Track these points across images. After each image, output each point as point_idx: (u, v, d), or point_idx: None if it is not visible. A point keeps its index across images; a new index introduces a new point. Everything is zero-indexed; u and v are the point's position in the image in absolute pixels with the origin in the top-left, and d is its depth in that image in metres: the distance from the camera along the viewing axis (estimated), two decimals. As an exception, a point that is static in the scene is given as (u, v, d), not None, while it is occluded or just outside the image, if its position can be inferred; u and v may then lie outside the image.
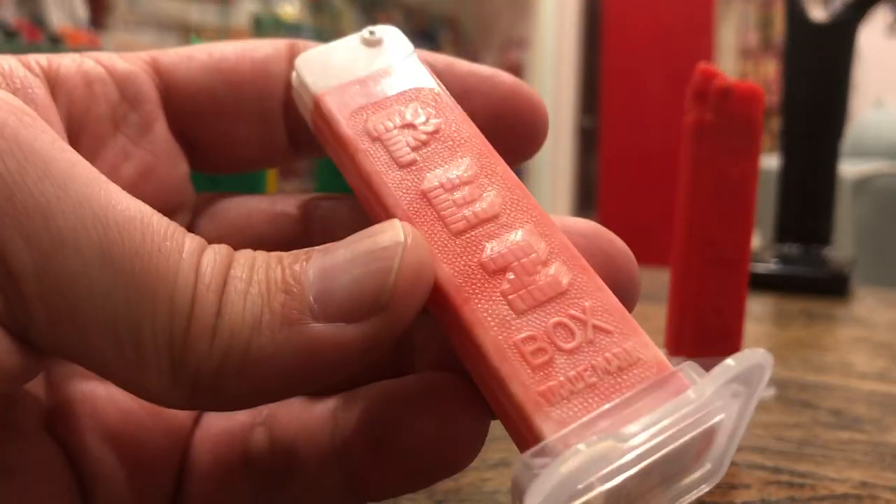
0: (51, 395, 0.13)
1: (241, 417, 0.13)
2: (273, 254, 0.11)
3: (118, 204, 0.10)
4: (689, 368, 0.11)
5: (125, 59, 0.14)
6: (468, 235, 0.12)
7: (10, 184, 0.09)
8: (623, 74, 2.09)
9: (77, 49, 1.46)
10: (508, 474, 0.18)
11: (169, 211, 0.14)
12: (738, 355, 0.10)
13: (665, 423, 0.10)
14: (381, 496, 0.13)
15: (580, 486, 0.09)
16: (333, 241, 0.11)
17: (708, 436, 0.11)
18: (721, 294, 0.23)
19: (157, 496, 0.13)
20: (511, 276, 0.11)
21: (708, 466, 0.12)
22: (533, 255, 0.11)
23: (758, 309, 0.38)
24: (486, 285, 0.11)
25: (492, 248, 0.12)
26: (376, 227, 0.11)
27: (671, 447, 0.10)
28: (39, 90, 0.12)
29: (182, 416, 0.13)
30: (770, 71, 2.76)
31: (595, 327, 0.11)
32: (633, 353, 0.11)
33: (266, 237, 0.15)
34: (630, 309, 0.12)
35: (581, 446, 0.09)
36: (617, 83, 2.11)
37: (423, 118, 0.13)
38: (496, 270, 0.11)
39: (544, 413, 0.10)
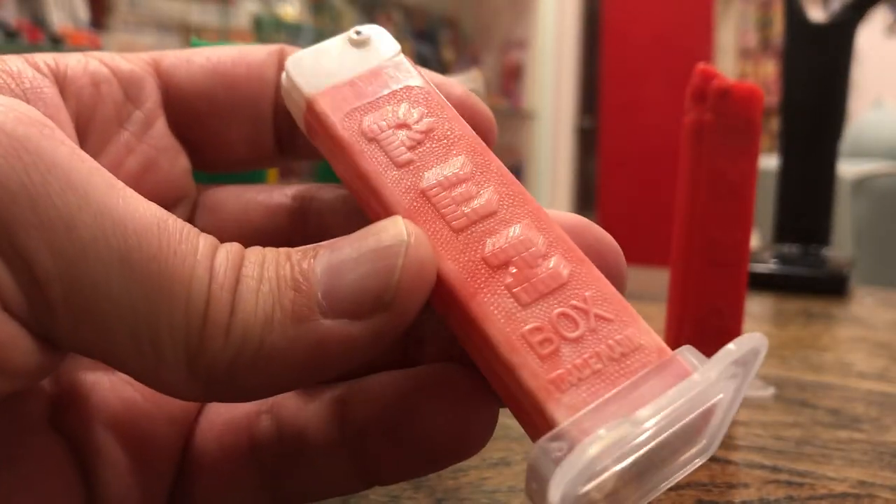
0: (55, 388, 0.13)
1: (246, 406, 0.14)
2: (282, 250, 0.11)
3: (136, 211, 0.10)
4: (687, 353, 0.11)
5: (128, 60, 0.14)
6: (469, 232, 0.12)
7: (35, 196, 0.10)
8: (622, 75, 2.09)
9: (77, 50, 1.46)
10: (509, 473, 0.18)
11: (170, 203, 0.15)
12: (738, 340, 0.11)
13: (675, 405, 0.10)
14: (389, 481, 0.13)
15: (598, 468, 0.10)
16: (329, 232, 0.12)
17: (707, 414, 0.12)
18: (720, 294, 0.23)
19: (159, 484, 0.13)
20: (513, 269, 0.12)
21: (703, 442, 0.12)
22: (533, 249, 0.12)
23: (757, 309, 0.38)
24: (490, 280, 0.12)
25: (493, 244, 0.12)
26: (380, 224, 0.11)
27: (678, 427, 0.11)
28: (49, 90, 0.13)
29: (185, 405, 0.14)
30: (769, 71, 2.76)
31: (597, 316, 0.11)
32: (635, 339, 0.11)
33: (263, 228, 0.15)
34: None
35: (602, 431, 0.10)
36: (616, 84, 2.11)
37: (415, 117, 0.13)
38: (499, 265, 0.12)
39: (556, 399, 0.11)
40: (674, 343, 0.21)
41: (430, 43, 2.41)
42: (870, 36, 2.33)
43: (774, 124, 2.18)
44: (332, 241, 0.11)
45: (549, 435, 0.10)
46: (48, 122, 0.10)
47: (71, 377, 0.13)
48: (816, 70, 0.45)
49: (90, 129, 0.13)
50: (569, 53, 2.60)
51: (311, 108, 0.13)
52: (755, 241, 0.86)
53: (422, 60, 2.30)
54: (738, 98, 0.22)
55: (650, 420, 0.10)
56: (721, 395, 0.11)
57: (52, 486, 0.12)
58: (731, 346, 0.11)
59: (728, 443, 0.21)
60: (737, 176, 0.23)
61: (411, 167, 0.13)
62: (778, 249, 0.47)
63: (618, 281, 0.12)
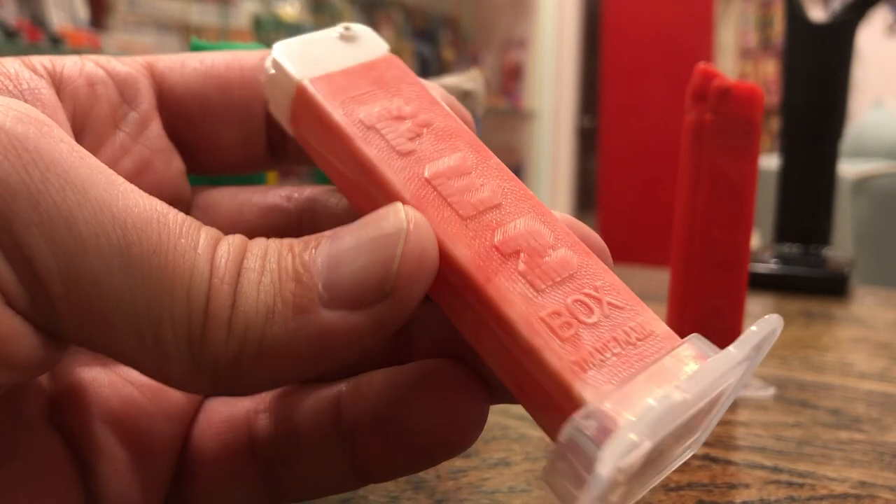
0: (53, 385, 0.13)
1: (244, 403, 0.14)
2: (285, 241, 0.11)
3: (135, 206, 0.10)
4: (697, 340, 0.11)
5: (123, 63, 0.14)
6: (477, 220, 0.12)
7: (35, 193, 0.10)
8: (623, 75, 2.09)
9: (77, 49, 1.46)
10: (509, 473, 0.18)
11: None
12: (759, 322, 0.11)
13: (708, 380, 0.10)
14: (384, 477, 0.13)
15: (645, 442, 0.10)
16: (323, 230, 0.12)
17: (714, 401, 0.12)
18: (720, 294, 0.23)
19: (158, 481, 0.13)
20: (524, 257, 0.12)
21: (698, 433, 0.12)
22: (541, 240, 0.12)
23: (757, 309, 0.38)
24: (503, 266, 0.12)
25: (502, 233, 0.12)
26: (380, 211, 0.11)
27: (696, 409, 0.11)
28: (46, 91, 0.13)
29: (184, 401, 0.14)
30: (769, 71, 2.76)
31: (609, 304, 0.12)
32: (647, 326, 0.11)
33: (258, 229, 0.15)
34: None
35: (651, 401, 0.10)
36: (616, 83, 2.11)
37: (411, 111, 0.13)
38: (510, 253, 0.12)
39: (582, 380, 0.11)
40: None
41: (430, 43, 2.41)
42: (870, 36, 2.33)
43: (775, 124, 2.18)
44: (333, 230, 0.11)
45: (581, 413, 0.10)
46: (47, 120, 0.10)
47: (69, 374, 0.13)
48: (817, 70, 0.45)
49: (86, 130, 0.13)
50: (569, 53, 2.60)
51: (302, 93, 0.13)
52: (755, 241, 0.86)
53: (422, 60, 2.30)
54: (739, 98, 0.22)
55: (689, 393, 0.10)
56: (732, 380, 0.11)
57: (50, 482, 0.12)
58: (753, 328, 0.11)
59: (729, 443, 0.21)
60: (737, 176, 0.23)
61: (413, 157, 0.12)
62: (778, 249, 0.46)
63: None
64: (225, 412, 0.14)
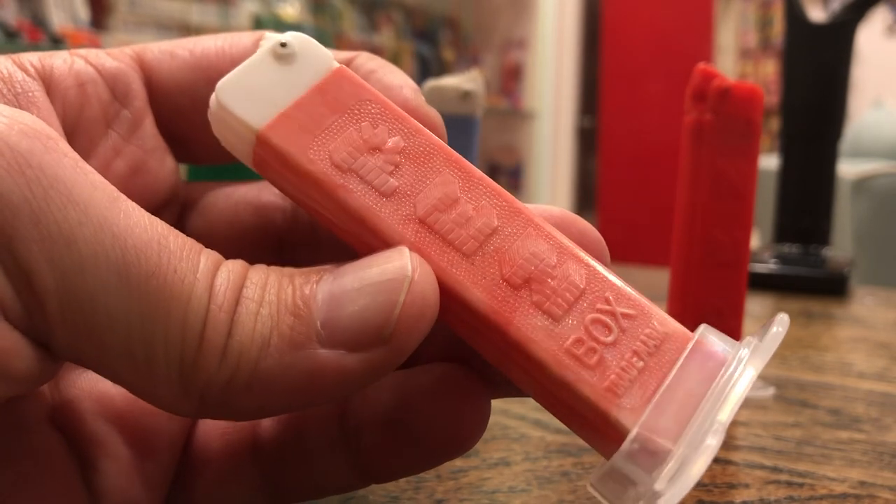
0: (55, 386, 0.13)
1: None
2: (286, 272, 0.11)
3: (136, 226, 0.10)
4: (710, 335, 0.12)
5: (112, 56, 0.14)
6: (480, 254, 0.12)
7: (37, 210, 0.10)
8: (622, 75, 2.09)
9: (78, 50, 1.46)
10: (509, 473, 0.18)
11: (159, 205, 0.14)
12: (778, 321, 0.12)
13: (738, 400, 0.11)
14: (387, 477, 0.13)
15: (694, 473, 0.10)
16: (320, 229, 0.11)
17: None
18: (720, 294, 0.23)
19: (161, 479, 0.13)
20: (535, 285, 0.12)
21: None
22: (545, 260, 0.12)
23: (757, 309, 0.38)
24: (518, 301, 0.12)
25: (508, 262, 0.12)
26: (385, 254, 0.11)
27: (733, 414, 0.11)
28: (38, 94, 0.12)
29: None
30: (769, 71, 2.76)
31: (623, 315, 0.12)
32: (660, 329, 0.12)
33: (254, 227, 0.15)
34: None
35: (710, 441, 0.10)
36: (616, 83, 2.11)
37: (382, 137, 0.13)
38: (521, 283, 0.12)
39: (617, 406, 0.11)
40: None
41: (430, 43, 2.41)
42: (870, 36, 2.33)
43: (774, 124, 2.18)
44: (335, 266, 0.11)
45: (626, 444, 0.11)
46: (52, 134, 0.10)
47: (72, 375, 0.13)
48: (816, 70, 0.45)
49: (77, 132, 0.13)
50: (569, 53, 2.60)
51: (263, 142, 0.12)
52: (755, 241, 0.86)
53: (422, 60, 2.30)
54: (739, 98, 0.22)
55: (727, 419, 0.11)
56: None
57: (52, 482, 0.12)
58: (775, 328, 0.12)
59: (728, 443, 0.21)
60: (737, 176, 0.23)
61: (399, 195, 0.12)
62: (778, 249, 0.47)
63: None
64: None
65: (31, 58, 0.13)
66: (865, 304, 0.40)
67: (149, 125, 0.14)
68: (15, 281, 0.10)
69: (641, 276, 0.45)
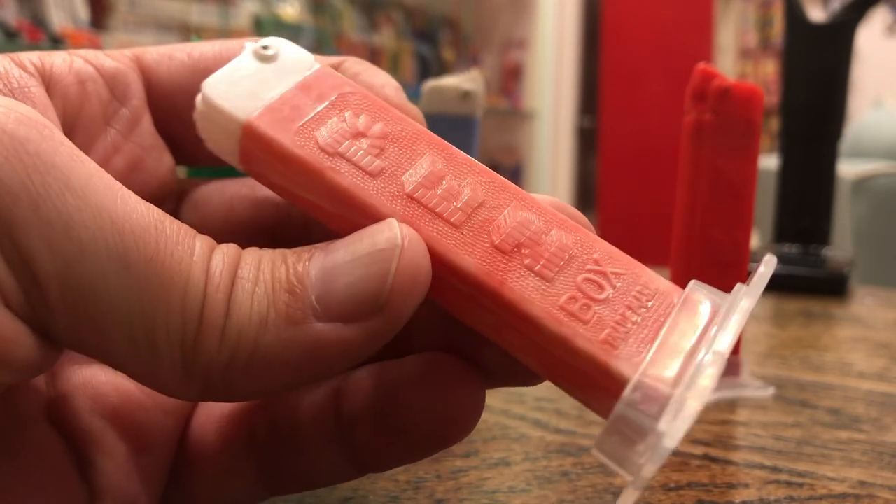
0: (51, 381, 0.13)
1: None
2: (278, 252, 0.11)
3: (133, 212, 0.10)
4: (700, 289, 0.12)
5: (112, 58, 0.14)
6: (469, 224, 0.12)
7: (36, 196, 0.10)
8: (622, 75, 2.09)
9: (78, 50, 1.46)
10: (509, 473, 0.18)
11: (154, 201, 0.14)
12: (765, 261, 0.12)
13: (731, 332, 0.11)
14: (382, 468, 0.13)
15: (692, 406, 0.10)
16: (313, 222, 0.12)
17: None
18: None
19: (157, 473, 0.13)
20: (525, 250, 0.12)
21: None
22: (534, 227, 0.12)
23: (757, 309, 0.38)
24: (510, 264, 0.12)
25: (497, 231, 0.12)
26: (374, 227, 0.11)
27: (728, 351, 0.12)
28: (36, 90, 0.13)
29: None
30: (769, 71, 2.76)
31: (612, 273, 0.12)
32: (651, 286, 0.12)
33: (249, 221, 0.15)
34: None
35: (710, 369, 0.11)
36: (616, 83, 2.11)
37: (366, 123, 0.13)
38: (511, 249, 0.12)
39: (615, 357, 0.11)
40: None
41: (430, 43, 2.41)
42: (870, 36, 2.33)
43: (774, 124, 2.18)
44: (326, 243, 0.11)
45: (628, 390, 0.11)
46: (48, 123, 0.11)
47: (67, 371, 0.13)
48: (816, 70, 0.45)
49: (77, 128, 0.13)
50: (569, 53, 2.60)
51: (250, 133, 0.12)
52: (755, 241, 0.86)
53: (422, 60, 2.30)
54: (738, 98, 0.22)
55: (726, 348, 0.11)
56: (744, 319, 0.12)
57: (50, 478, 0.12)
58: (762, 269, 0.12)
59: (728, 443, 0.21)
60: (737, 176, 0.23)
61: (387, 174, 0.12)
62: (778, 249, 0.47)
63: None
64: (225, 406, 0.14)
65: (31, 56, 0.13)
66: (865, 304, 0.40)
67: (146, 123, 0.14)
68: (15, 268, 0.10)
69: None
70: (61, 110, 0.13)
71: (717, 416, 0.22)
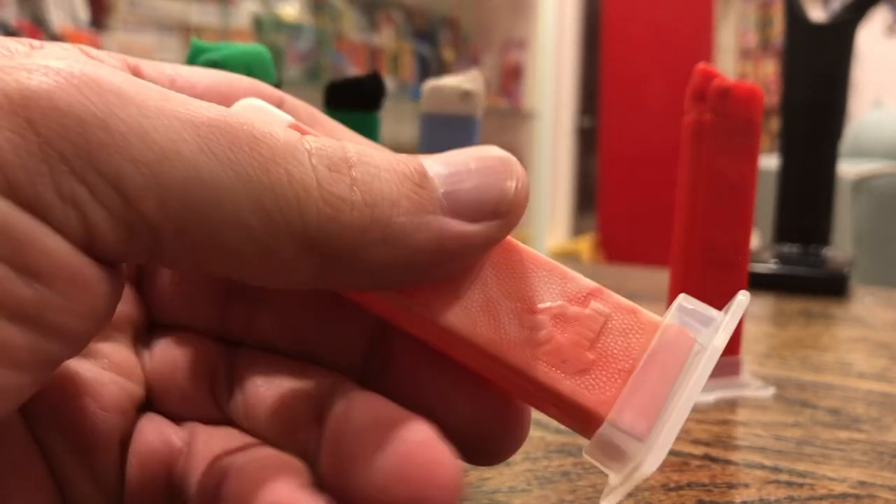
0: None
1: (169, 433, 0.13)
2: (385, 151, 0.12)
3: (200, 107, 0.10)
4: (675, 320, 0.12)
5: (112, 56, 0.14)
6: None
7: (102, 116, 0.10)
8: (622, 75, 2.09)
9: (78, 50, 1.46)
10: (509, 473, 0.18)
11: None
12: (743, 293, 0.13)
13: (703, 369, 0.11)
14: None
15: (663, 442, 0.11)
16: None
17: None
18: (720, 294, 0.23)
19: (110, 479, 0.13)
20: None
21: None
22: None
23: (757, 309, 0.38)
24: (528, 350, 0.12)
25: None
26: (485, 147, 0.12)
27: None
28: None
29: (122, 397, 0.13)
30: (769, 71, 2.76)
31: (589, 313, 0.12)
32: (641, 322, 0.12)
33: None
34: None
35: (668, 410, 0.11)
36: (616, 84, 2.11)
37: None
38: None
39: (593, 401, 0.12)
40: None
41: (430, 43, 2.41)
42: (870, 36, 2.33)
43: (774, 124, 2.18)
44: (435, 155, 0.12)
45: (607, 421, 0.11)
46: (88, 54, 0.11)
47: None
48: (816, 70, 0.45)
49: None
50: (569, 53, 2.60)
51: None
52: (755, 241, 0.86)
53: (422, 61, 2.30)
54: (738, 98, 0.22)
55: (693, 388, 0.11)
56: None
57: (23, 481, 0.12)
58: (741, 297, 0.12)
59: (728, 443, 0.21)
60: (737, 176, 0.23)
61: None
62: (778, 249, 0.47)
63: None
64: (151, 440, 0.13)
65: (22, 42, 0.13)
66: (865, 303, 0.40)
67: None
68: (103, 195, 0.10)
69: (641, 276, 0.45)
70: None
71: (718, 416, 0.22)
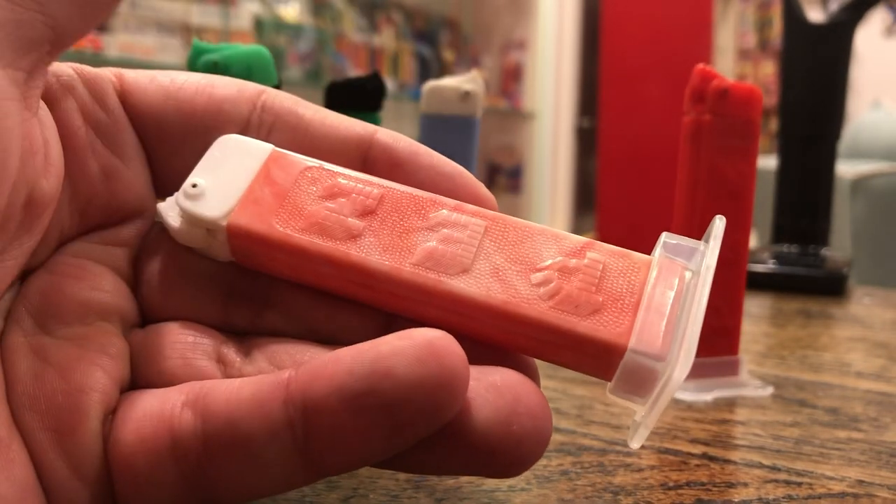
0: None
1: (169, 395, 0.12)
2: None
3: None
4: (663, 256, 0.14)
5: (92, 69, 0.14)
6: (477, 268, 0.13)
7: None
8: (622, 76, 2.09)
9: (79, 51, 1.46)
10: (508, 472, 0.18)
11: (127, 214, 0.14)
12: (718, 218, 0.14)
13: (702, 292, 0.13)
14: (343, 468, 0.11)
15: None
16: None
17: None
18: (719, 293, 0.23)
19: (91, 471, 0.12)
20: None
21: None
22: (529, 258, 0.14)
23: (755, 309, 0.38)
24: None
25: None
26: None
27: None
28: None
29: (102, 377, 0.12)
30: (768, 72, 2.76)
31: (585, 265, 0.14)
32: (620, 260, 0.14)
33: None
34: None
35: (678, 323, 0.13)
36: (616, 84, 2.11)
37: (350, 194, 0.14)
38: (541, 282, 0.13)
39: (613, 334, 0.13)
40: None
41: (430, 44, 2.41)
42: (868, 37, 2.33)
43: (773, 125, 2.18)
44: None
45: (629, 349, 0.12)
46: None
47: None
48: (815, 71, 0.45)
49: (55, 115, 0.13)
50: (568, 54, 2.61)
51: (237, 232, 0.13)
52: (754, 241, 0.86)
53: (422, 61, 2.30)
54: (737, 98, 0.22)
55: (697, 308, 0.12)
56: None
57: (11, 468, 0.11)
58: (718, 221, 0.14)
59: (727, 442, 0.21)
60: (735, 176, 0.23)
61: (403, 247, 0.13)
62: (776, 249, 0.47)
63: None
64: (146, 404, 0.12)
65: None
66: (864, 303, 0.40)
67: (129, 135, 0.14)
68: None
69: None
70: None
71: (716, 416, 0.22)
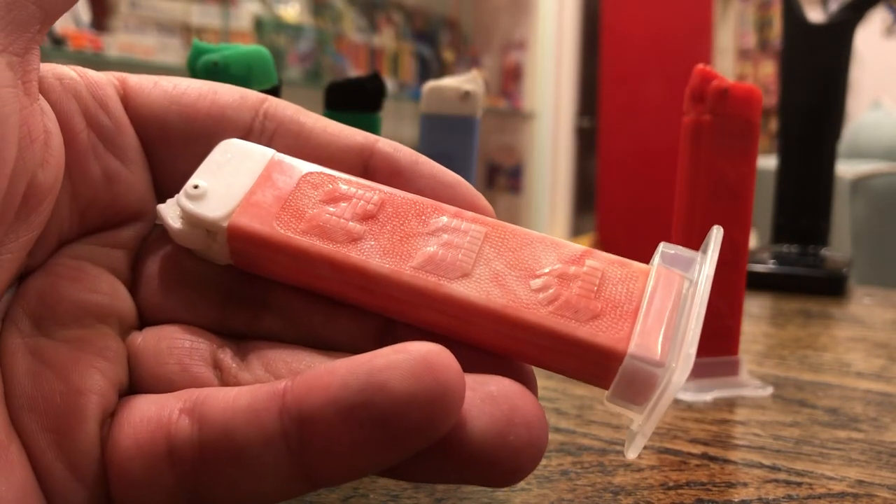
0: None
1: (167, 401, 0.12)
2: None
3: None
4: (662, 264, 0.14)
5: (95, 73, 0.14)
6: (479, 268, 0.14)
7: None
8: (622, 76, 2.09)
9: (80, 51, 1.46)
10: (508, 472, 0.18)
11: (127, 217, 0.14)
12: (715, 229, 0.14)
13: (700, 301, 0.13)
14: (337, 477, 0.11)
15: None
16: None
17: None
18: (719, 294, 0.23)
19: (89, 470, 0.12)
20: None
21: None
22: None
23: (756, 309, 0.38)
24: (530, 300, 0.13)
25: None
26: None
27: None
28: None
29: (103, 384, 0.12)
30: (768, 72, 2.76)
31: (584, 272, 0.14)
32: (619, 269, 0.14)
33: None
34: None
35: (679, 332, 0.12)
36: (616, 84, 2.11)
37: (351, 198, 0.14)
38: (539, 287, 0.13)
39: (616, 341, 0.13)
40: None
41: (430, 44, 2.41)
42: (868, 37, 2.33)
43: (773, 125, 2.18)
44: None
45: (628, 355, 0.12)
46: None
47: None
48: (815, 71, 0.45)
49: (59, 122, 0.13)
50: (568, 54, 2.61)
51: (238, 233, 0.13)
52: (754, 241, 0.86)
53: (422, 61, 2.30)
54: (737, 99, 0.22)
55: (695, 316, 0.12)
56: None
57: (11, 472, 0.11)
58: (716, 231, 0.14)
59: (727, 442, 0.21)
60: (735, 176, 0.23)
61: (402, 252, 0.13)
62: (776, 249, 0.47)
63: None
64: (144, 409, 0.12)
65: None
66: (863, 303, 0.40)
67: (130, 138, 0.14)
68: None
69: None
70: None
71: (716, 416, 0.22)
